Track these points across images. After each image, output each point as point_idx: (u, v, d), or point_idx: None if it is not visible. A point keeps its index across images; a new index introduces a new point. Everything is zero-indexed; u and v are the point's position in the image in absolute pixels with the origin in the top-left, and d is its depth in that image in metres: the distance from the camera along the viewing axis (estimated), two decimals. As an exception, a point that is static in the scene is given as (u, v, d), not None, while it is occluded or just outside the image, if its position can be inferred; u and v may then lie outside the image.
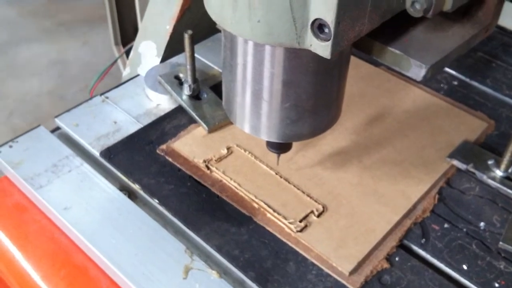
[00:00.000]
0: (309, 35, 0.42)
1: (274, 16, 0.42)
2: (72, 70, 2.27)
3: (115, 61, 1.84)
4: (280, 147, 0.59)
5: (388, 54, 0.49)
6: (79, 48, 2.39)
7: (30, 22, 2.52)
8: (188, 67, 0.67)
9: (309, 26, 0.42)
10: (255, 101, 0.51)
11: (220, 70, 0.78)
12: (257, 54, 0.47)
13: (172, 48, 0.80)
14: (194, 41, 0.65)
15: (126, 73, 0.85)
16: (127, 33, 2.07)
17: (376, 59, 0.51)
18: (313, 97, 0.50)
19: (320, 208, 0.58)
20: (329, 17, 0.40)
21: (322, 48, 0.42)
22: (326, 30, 0.41)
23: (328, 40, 0.41)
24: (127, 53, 1.95)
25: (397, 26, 0.49)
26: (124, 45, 2.05)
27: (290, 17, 0.42)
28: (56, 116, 0.69)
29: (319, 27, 0.41)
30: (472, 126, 0.68)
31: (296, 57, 0.47)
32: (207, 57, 0.79)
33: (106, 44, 2.20)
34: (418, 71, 0.49)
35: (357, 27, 0.43)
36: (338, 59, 0.49)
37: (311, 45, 0.43)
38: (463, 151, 0.64)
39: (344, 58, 0.50)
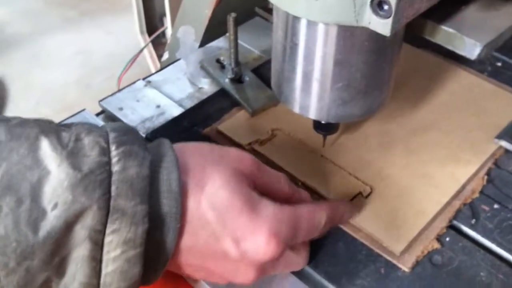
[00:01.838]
0: (368, 12, 0.42)
1: (333, -6, 0.42)
2: (97, 59, 2.29)
3: (142, 49, 1.85)
4: (328, 128, 0.59)
5: (441, 33, 0.49)
6: (104, 37, 2.40)
7: (54, 12, 2.54)
8: (232, 50, 0.67)
9: (368, 3, 0.41)
10: (307, 81, 0.51)
11: (260, 54, 0.78)
12: (311, 33, 0.47)
13: (211, 33, 0.80)
14: (237, 24, 0.65)
15: (164, 58, 0.86)
16: (152, 22, 2.08)
17: (428, 38, 0.50)
18: (366, 77, 0.50)
19: (368, 189, 0.58)
20: (391, -6, 0.40)
21: (382, 26, 0.42)
22: (386, 7, 0.41)
23: (389, 17, 0.41)
24: (153, 42, 1.97)
25: (449, 5, 0.49)
26: (149, 34, 2.06)
27: (350, -5, 0.41)
28: (101, 100, 0.69)
29: (379, 4, 0.41)
30: (518, 108, 0.67)
31: (351, 36, 0.47)
32: (246, 41, 0.79)
33: (130, 33, 2.21)
34: (472, 49, 0.48)
35: (416, 4, 0.43)
36: (393, 38, 0.48)
37: (369, 23, 0.42)
38: (511, 132, 0.63)
39: (398, 38, 0.50)
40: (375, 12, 0.42)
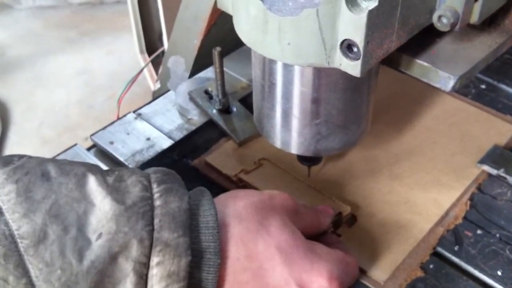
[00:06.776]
0: (339, 55, 0.43)
1: (303, 39, 0.43)
2: (98, 79, 2.31)
3: (142, 69, 1.86)
4: (311, 160, 0.60)
5: (416, 66, 0.50)
6: (104, 57, 2.43)
7: (55, 33, 2.56)
8: (218, 82, 0.69)
9: (338, 47, 0.43)
10: (286, 118, 0.52)
11: (248, 82, 0.79)
12: (287, 74, 0.49)
13: (200, 63, 0.82)
14: (222, 56, 0.67)
15: (156, 88, 0.87)
16: (152, 41, 2.10)
17: (404, 72, 0.52)
18: (343, 113, 0.51)
19: (348, 209, 0.59)
20: (358, 38, 0.41)
21: (352, 67, 0.43)
22: (355, 50, 0.42)
23: (358, 59, 0.42)
24: (153, 61, 1.99)
25: (423, 38, 0.50)
26: (149, 54, 2.08)
27: (320, 39, 0.43)
28: (92, 135, 0.71)
29: (348, 47, 0.42)
30: (501, 130, 0.68)
31: (326, 76, 0.48)
32: (235, 70, 0.81)
33: (130, 53, 2.23)
34: (446, 82, 0.50)
35: (386, 44, 0.44)
36: (367, 75, 0.50)
37: (340, 64, 0.44)
38: (494, 156, 0.64)
39: (373, 74, 0.51)
40: (344, 54, 0.43)
